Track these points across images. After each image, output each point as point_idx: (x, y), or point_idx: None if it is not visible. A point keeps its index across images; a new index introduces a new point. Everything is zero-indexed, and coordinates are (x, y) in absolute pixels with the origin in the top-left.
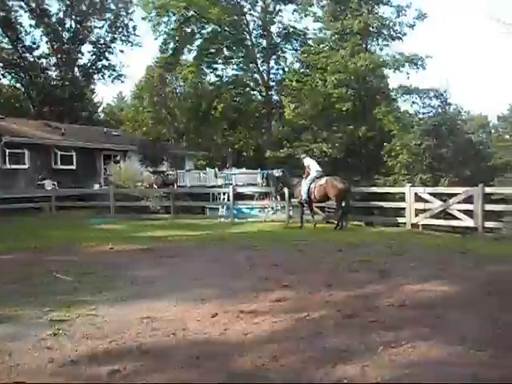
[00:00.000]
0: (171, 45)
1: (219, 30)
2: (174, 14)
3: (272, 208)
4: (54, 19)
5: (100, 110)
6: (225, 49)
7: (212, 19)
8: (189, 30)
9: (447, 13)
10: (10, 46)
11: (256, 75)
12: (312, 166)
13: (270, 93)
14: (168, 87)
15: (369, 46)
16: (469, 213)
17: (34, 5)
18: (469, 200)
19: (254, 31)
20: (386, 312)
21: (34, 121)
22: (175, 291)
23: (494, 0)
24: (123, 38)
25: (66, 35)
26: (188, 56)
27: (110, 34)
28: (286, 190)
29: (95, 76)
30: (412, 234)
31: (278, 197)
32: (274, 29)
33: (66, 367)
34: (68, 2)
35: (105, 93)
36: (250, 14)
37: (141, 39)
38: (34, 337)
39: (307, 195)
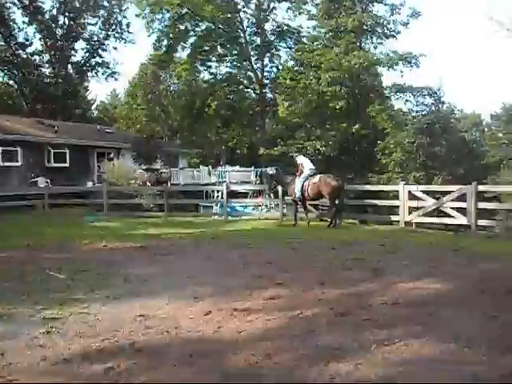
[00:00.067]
0: (165, 42)
1: (213, 27)
2: (167, 12)
3: (266, 206)
4: (47, 16)
5: (93, 107)
6: (219, 46)
7: (206, 17)
8: (183, 28)
9: (441, 11)
10: (3, 43)
11: (250, 73)
12: (305, 164)
13: (263, 90)
14: (162, 85)
15: (363, 44)
16: (462, 211)
17: (27, 1)
18: (462, 198)
19: (248, 29)
20: (379, 310)
21: (26, 118)
22: (169, 289)
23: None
24: (117, 35)
25: (59, 32)
26: (182, 53)
27: (103, 31)
28: (279, 188)
29: (89, 73)
30: (405, 231)
31: (272, 195)
32: (268, 26)
33: (58, 365)
34: None
35: (98, 90)
36: (244, 12)
37: (134, 36)
38: (27, 335)
39: (301, 193)
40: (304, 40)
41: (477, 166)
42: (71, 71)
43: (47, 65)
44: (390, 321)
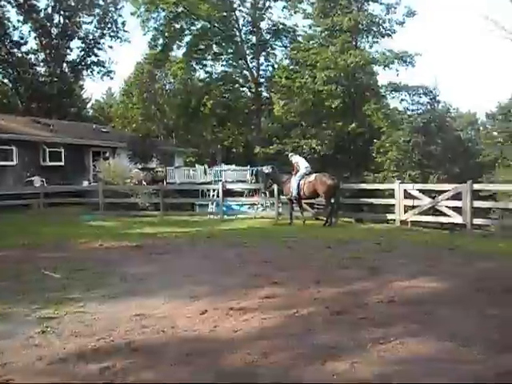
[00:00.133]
0: (160, 41)
1: (209, 26)
2: (163, 10)
3: (261, 205)
4: (42, 14)
5: (89, 106)
6: (214, 45)
7: (201, 15)
8: (178, 26)
9: (436, 10)
10: None
11: (245, 72)
12: (300, 163)
13: (259, 89)
14: (157, 83)
15: (358, 43)
16: (457, 209)
17: (21, 0)
18: (457, 197)
19: (244, 28)
20: (375, 308)
21: (22, 117)
22: (165, 288)
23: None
24: (112, 33)
25: (54, 31)
26: (177, 52)
27: (98, 30)
28: (275, 187)
29: (84, 72)
30: (401, 230)
31: (268, 193)
32: (263, 25)
33: (54, 365)
34: None
35: (94, 89)
36: (240, 11)
37: (130, 35)
38: (23, 335)
39: (297, 192)
40: (300, 39)
41: (472, 164)
42: (66, 70)
43: (42, 63)
44: (386, 319)
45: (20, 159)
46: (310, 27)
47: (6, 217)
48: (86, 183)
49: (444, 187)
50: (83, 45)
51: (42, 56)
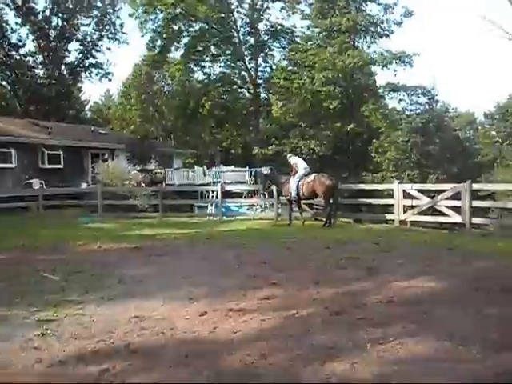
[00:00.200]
0: (158, 42)
1: (207, 27)
2: (161, 12)
3: (260, 206)
4: (40, 17)
5: (87, 108)
6: (212, 46)
7: (199, 17)
8: (176, 28)
9: (434, 10)
10: None
11: (244, 73)
12: (299, 163)
13: (257, 90)
14: (155, 85)
15: (356, 44)
16: (456, 209)
17: (19, 2)
18: (456, 196)
19: (242, 29)
20: (374, 309)
21: (20, 119)
22: (164, 290)
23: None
24: (110, 35)
25: (52, 33)
26: (175, 54)
27: (96, 32)
28: (274, 188)
29: (82, 74)
30: (400, 230)
31: (266, 194)
32: (261, 26)
33: (54, 367)
34: (54, 0)
35: (92, 91)
36: (238, 12)
37: (128, 37)
38: (22, 337)
39: (296, 192)
40: (298, 40)
41: (471, 164)
42: (64, 72)
43: (40, 66)
44: (385, 319)
45: (19, 162)
46: (308, 28)
47: (4, 219)
48: (84, 185)
49: (443, 187)
50: (81, 47)
51: (40, 58)
